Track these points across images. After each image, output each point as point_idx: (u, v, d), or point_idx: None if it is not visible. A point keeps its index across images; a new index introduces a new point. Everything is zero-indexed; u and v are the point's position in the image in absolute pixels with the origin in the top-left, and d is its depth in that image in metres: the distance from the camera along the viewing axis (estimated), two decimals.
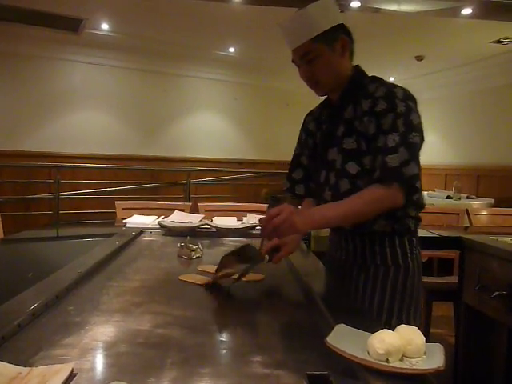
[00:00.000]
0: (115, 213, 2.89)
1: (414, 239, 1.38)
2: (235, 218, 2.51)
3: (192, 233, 2.09)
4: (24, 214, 5.26)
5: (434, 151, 6.74)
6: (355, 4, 3.97)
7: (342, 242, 1.43)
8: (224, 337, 0.97)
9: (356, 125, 1.29)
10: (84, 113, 6.21)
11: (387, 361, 0.75)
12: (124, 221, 2.40)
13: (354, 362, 0.75)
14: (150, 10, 4.81)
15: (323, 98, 1.48)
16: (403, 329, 0.82)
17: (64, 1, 4.55)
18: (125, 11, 5.04)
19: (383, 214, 1.27)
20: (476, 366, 2.23)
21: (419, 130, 1.23)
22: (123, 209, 2.87)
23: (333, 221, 1.29)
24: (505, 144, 5.95)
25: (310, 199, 1.54)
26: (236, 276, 1.26)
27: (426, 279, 2.28)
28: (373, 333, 0.80)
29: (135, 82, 6.51)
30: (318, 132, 1.47)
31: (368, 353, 0.77)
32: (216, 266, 1.26)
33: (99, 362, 0.82)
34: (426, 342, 0.79)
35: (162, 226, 2.17)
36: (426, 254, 2.61)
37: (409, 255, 1.35)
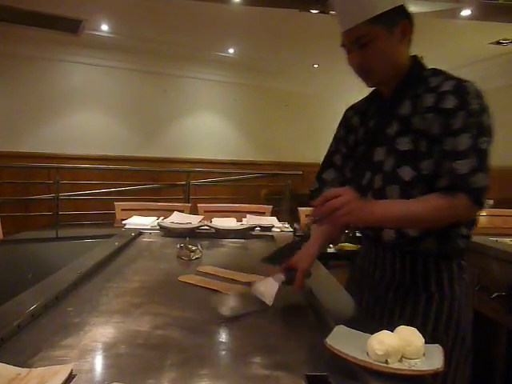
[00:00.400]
0: (115, 214, 2.89)
1: (462, 262, 1.19)
2: (235, 219, 2.52)
3: (191, 234, 2.09)
4: (23, 215, 5.26)
5: None
6: None
7: (379, 258, 1.24)
8: (223, 338, 0.97)
9: (414, 122, 1.12)
10: (84, 114, 6.21)
11: (386, 362, 0.75)
12: (123, 222, 2.41)
13: (353, 363, 0.75)
14: (150, 10, 4.82)
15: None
16: (402, 330, 0.82)
17: (64, 2, 4.55)
18: (124, 12, 5.05)
19: (433, 232, 1.12)
20: (475, 367, 2.22)
21: (490, 135, 1.09)
22: (123, 210, 2.88)
23: (392, 220, 1.09)
24: (504, 145, 5.94)
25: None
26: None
27: None
28: (372, 334, 0.80)
29: (135, 83, 6.51)
30: (361, 128, 1.28)
31: (367, 354, 0.77)
32: (216, 267, 1.25)
33: (98, 363, 0.82)
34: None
35: (162, 227, 2.17)
36: None
37: (456, 281, 1.16)
